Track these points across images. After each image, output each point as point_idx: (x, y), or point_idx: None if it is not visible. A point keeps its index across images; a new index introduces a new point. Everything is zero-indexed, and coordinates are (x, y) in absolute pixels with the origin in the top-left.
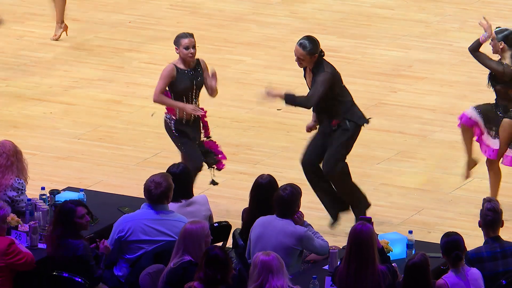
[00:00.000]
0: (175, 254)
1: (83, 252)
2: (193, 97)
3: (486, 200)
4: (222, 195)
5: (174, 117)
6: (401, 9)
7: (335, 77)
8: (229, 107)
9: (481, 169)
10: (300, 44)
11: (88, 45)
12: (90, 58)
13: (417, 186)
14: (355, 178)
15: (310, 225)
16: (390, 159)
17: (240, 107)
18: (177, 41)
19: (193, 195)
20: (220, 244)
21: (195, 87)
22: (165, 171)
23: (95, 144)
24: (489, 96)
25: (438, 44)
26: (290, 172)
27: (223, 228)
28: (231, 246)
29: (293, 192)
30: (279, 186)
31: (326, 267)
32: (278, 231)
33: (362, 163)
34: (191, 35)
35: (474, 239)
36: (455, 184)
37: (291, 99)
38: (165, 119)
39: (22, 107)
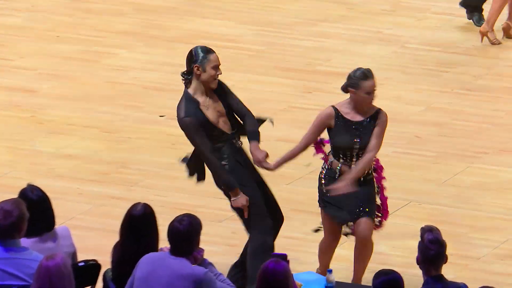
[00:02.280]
0: None
1: None
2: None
3: (425, 230)
4: (90, 226)
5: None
6: None
7: None
8: (98, 113)
9: (419, 191)
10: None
11: None
12: None
13: None
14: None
15: (211, 264)
16: (303, 177)
17: (112, 113)
18: None
19: (54, 227)
20: None
21: None
22: (16, 196)
23: None
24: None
25: (363, 31)
26: (176, 196)
27: (91, 269)
28: None
29: (192, 224)
30: (177, 216)
31: None
32: (171, 272)
33: (267, 183)
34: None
35: (411, 279)
36: None
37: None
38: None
39: None
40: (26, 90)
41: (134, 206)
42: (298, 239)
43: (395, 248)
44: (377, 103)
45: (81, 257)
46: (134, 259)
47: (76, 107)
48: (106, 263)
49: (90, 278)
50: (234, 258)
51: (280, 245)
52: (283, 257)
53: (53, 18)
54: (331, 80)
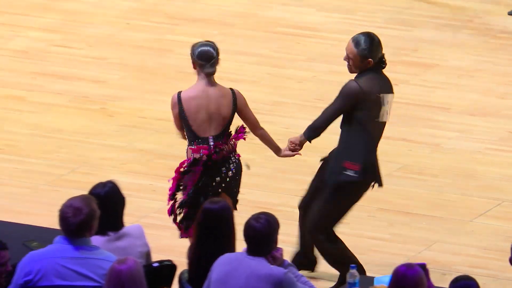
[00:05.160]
0: None
1: None
2: None
3: None
4: (164, 225)
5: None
6: None
7: (366, 94)
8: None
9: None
10: (354, 40)
11: None
12: None
13: (426, 212)
14: None
15: (292, 265)
16: (391, 175)
17: None
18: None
19: (123, 225)
20: None
21: None
22: (87, 192)
23: None
24: None
25: (452, 19)
26: (254, 193)
27: (166, 270)
28: None
29: (270, 222)
30: (253, 214)
31: None
32: (249, 273)
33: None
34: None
35: (506, 283)
36: (477, 209)
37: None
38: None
39: None
40: (95, 81)
41: (212, 199)
42: (383, 240)
43: (487, 250)
44: (466, 96)
45: (154, 257)
46: (211, 260)
47: (148, 99)
48: (181, 264)
49: (166, 279)
50: None
51: (364, 246)
52: (423, 265)
53: (122, 4)
54: (419, 72)
